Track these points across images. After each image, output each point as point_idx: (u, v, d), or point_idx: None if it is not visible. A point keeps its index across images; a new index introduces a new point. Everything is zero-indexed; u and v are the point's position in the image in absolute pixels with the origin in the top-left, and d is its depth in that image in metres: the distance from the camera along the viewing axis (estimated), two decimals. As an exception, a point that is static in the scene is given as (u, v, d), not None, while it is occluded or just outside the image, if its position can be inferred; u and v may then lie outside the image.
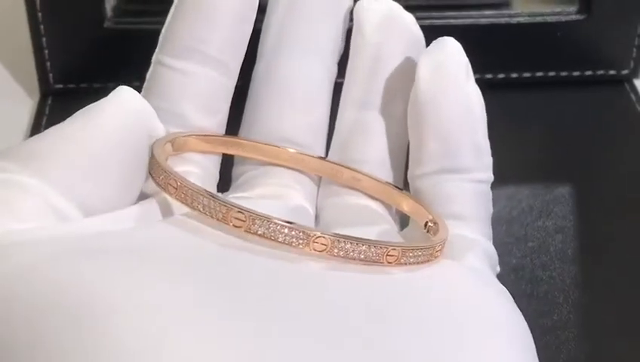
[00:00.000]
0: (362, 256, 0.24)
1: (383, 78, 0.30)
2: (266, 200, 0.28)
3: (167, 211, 0.25)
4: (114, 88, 0.41)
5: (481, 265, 0.27)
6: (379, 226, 0.27)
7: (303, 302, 0.22)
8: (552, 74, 0.45)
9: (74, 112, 0.40)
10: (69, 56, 0.42)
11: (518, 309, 0.25)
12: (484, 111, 0.28)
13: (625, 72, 0.45)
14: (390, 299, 0.23)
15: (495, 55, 0.44)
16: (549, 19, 0.43)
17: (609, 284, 0.35)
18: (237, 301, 0.21)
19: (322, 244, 0.23)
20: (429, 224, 0.27)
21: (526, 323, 0.25)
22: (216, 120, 0.28)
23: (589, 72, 0.45)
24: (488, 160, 0.28)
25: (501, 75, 0.44)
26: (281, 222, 0.23)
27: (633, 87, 0.45)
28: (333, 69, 0.30)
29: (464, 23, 0.43)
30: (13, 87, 0.44)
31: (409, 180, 0.29)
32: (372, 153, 0.29)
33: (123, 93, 0.26)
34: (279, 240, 0.23)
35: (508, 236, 0.37)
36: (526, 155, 0.39)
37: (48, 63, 0.42)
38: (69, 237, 0.22)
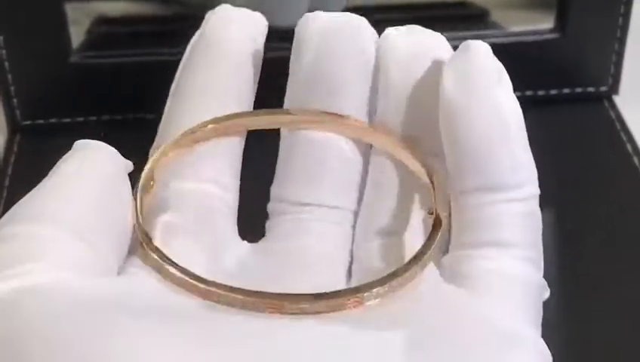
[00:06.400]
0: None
1: (417, 119, 0.27)
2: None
3: None
4: (82, 122, 0.42)
5: (519, 315, 0.24)
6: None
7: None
8: (529, 93, 0.44)
9: (44, 148, 0.41)
10: (35, 92, 0.42)
11: None
12: (522, 120, 0.26)
13: (604, 88, 0.45)
14: None
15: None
16: (525, 38, 0.43)
17: (595, 322, 0.34)
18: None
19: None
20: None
21: None
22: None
23: (567, 90, 0.45)
24: (530, 174, 0.26)
25: (478, 97, 0.44)
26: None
27: (612, 104, 0.45)
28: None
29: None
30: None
31: (451, 199, 0.26)
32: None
33: (88, 147, 0.26)
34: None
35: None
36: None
37: (15, 100, 0.42)
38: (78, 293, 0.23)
